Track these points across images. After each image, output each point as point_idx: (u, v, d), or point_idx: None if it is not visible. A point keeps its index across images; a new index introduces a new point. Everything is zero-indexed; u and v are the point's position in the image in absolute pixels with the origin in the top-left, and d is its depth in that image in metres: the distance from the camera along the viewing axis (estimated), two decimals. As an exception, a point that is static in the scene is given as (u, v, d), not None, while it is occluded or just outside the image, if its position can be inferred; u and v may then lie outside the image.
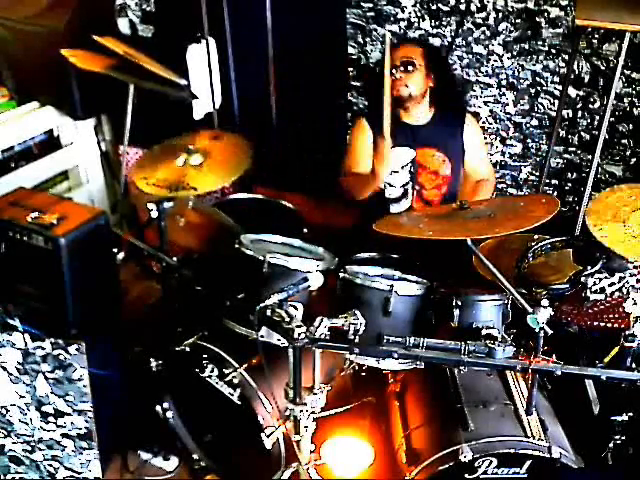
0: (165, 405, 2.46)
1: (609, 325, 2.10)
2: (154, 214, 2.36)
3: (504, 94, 3.53)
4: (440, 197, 2.82)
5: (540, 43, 3.33)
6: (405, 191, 2.82)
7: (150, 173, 2.46)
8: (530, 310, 1.78)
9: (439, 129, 2.79)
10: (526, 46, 3.36)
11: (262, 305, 1.77)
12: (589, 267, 1.89)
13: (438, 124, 2.80)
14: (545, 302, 1.77)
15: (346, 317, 1.86)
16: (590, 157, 3.08)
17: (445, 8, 3.44)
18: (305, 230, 2.77)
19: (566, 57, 3.28)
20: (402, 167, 2.78)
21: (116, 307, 2.49)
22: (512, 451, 1.95)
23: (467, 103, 3.55)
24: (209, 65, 3.43)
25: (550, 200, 2.07)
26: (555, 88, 3.40)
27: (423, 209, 2.80)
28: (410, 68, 2.68)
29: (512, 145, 3.65)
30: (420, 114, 2.79)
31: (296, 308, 1.79)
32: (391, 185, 2.81)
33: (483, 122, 3.61)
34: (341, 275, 2.07)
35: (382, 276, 2.09)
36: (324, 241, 2.43)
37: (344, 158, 2.89)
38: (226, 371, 2.19)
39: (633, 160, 3.43)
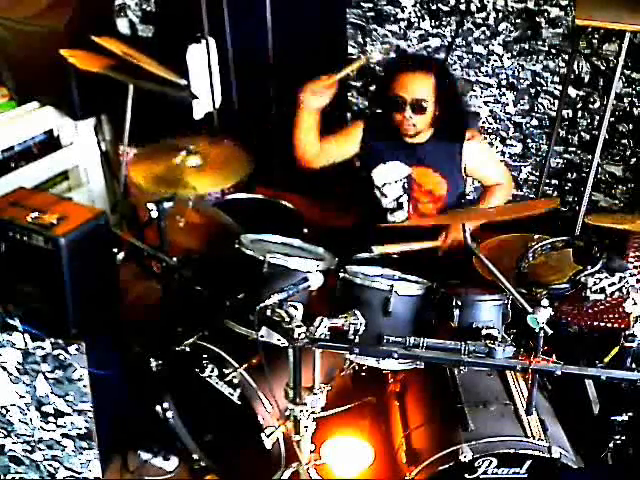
0: (165, 405, 2.46)
1: (609, 325, 2.10)
2: (154, 214, 2.36)
3: (504, 94, 3.53)
4: (436, 211, 2.76)
5: (540, 43, 3.33)
6: (399, 204, 2.78)
7: (147, 168, 2.47)
8: (530, 310, 1.77)
9: (437, 149, 2.68)
10: (526, 46, 3.36)
11: (262, 305, 1.77)
12: (589, 267, 1.89)
13: (436, 144, 2.68)
14: (545, 302, 1.77)
15: (346, 317, 1.86)
16: (590, 157, 3.08)
17: (445, 8, 3.44)
18: (305, 230, 2.77)
19: (566, 57, 3.28)
20: (395, 182, 2.74)
21: (116, 307, 2.49)
22: (512, 451, 1.95)
23: (468, 121, 3.43)
24: (209, 65, 3.43)
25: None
26: (555, 88, 3.40)
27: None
28: (421, 109, 2.54)
29: (512, 145, 3.64)
30: (420, 135, 2.68)
31: (296, 308, 1.79)
32: (385, 195, 2.78)
33: (483, 122, 3.61)
34: (341, 275, 2.07)
35: (382, 276, 2.09)
36: (324, 241, 2.43)
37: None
38: (226, 371, 2.19)
39: (633, 160, 3.43)
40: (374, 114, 2.87)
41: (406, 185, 2.73)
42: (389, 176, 2.73)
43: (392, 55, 3.49)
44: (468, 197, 3.00)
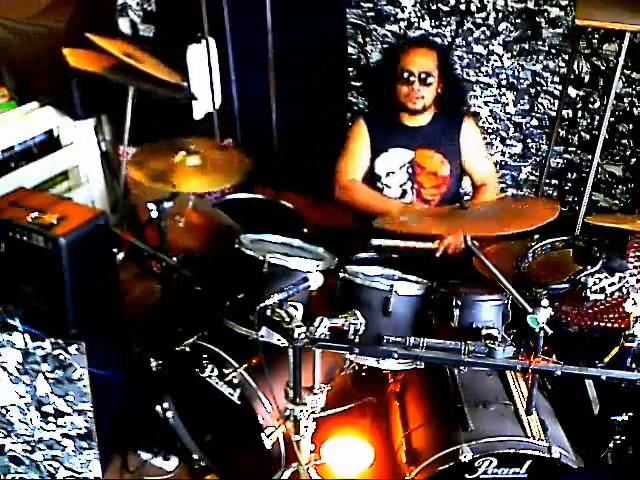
0: (165, 405, 2.46)
1: (609, 325, 2.10)
2: (154, 214, 2.36)
3: (504, 94, 3.52)
4: (439, 196, 2.82)
5: (540, 43, 3.33)
6: (404, 191, 2.82)
7: (144, 161, 2.47)
8: (530, 310, 1.77)
9: (438, 130, 2.79)
10: (526, 46, 3.36)
11: (262, 305, 1.77)
12: (589, 267, 1.89)
13: (437, 125, 2.80)
14: (545, 302, 1.77)
15: (346, 317, 1.86)
16: (590, 157, 3.08)
17: (445, 8, 3.44)
18: (305, 230, 2.78)
19: (566, 57, 3.28)
20: (400, 168, 2.78)
21: (116, 307, 2.49)
22: (512, 451, 1.95)
23: (467, 104, 3.53)
24: (209, 65, 3.43)
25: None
26: (555, 88, 3.40)
27: (424, 209, 2.81)
28: (429, 80, 2.67)
29: (512, 145, 3.64)
30: (422, 117, 2.79)
31: (296, 308, 1.79)
32: (388, 186, 2.81)
33: (483, 122, 3.60)
34: (341, 275, 2.07)
35: (382, 276, 2.09)
36: (324, 241, 2.43)
37: (340, 157, 2.90)
38: (226, 371, 2.19)
39: (633, 160, 3.42)
40: (371, 107, 2.96)
41: (410, 170, 2.78)
42: (392, 164, 2.78)
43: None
44: (467, 197, 3.01)
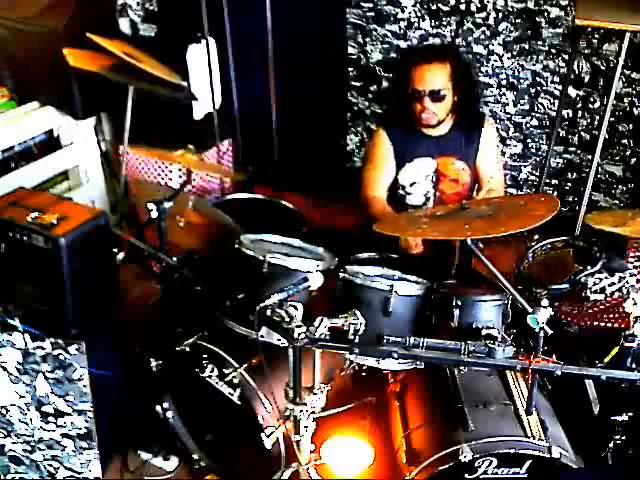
0: (165, 405, 2.46)
1: (609, 325, 2.10)
2: (154, 214, 2.36)
3: (504, 94, 3.53)
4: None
5: (540, 43, 3.34)
6: (427, 199, 2.81)
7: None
8: (530, 310, 1.77)
9: (459, 137, 2.73)
10: (526, 46, 3.36)
11: (262, 305, 1.77)
12: (589, 267, 1.89)
13: (457, 132, 2.73)
14: (545, 302, 1.77)
15: (346, 317, 1.85)
16: (590, 157, 3.08)
17: (445, 8, 3.44)
18: (305, 229, 2.77)
19: (566, 57, 3.28)
20: (425, 177, 2.76)
21: (116, 307, 2.49)
22: (512, 451, 1.95)
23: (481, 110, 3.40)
24: (209, 65, 3.43)
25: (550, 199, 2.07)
26: (555, 88, 3.41)
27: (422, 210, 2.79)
28: (440, 96, 2.58)
29: (512, 145, 3.65)
30: (441, 126, 2.71)
31: (296, 308, 1.79)
32: (410, 194, 2.79)
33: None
34: (341, 275, 2.07)
35: (382, 276, 2.09)
36: (324, 241, 2.43)
37: (364, 169, 2.83)
38: (226, 371, 2.19)
39: (633, 160, 3.43)
40: (389, 115, 2.90)
41: (434, 179, 2.76)
42: (418, 174, 2.75)
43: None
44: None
